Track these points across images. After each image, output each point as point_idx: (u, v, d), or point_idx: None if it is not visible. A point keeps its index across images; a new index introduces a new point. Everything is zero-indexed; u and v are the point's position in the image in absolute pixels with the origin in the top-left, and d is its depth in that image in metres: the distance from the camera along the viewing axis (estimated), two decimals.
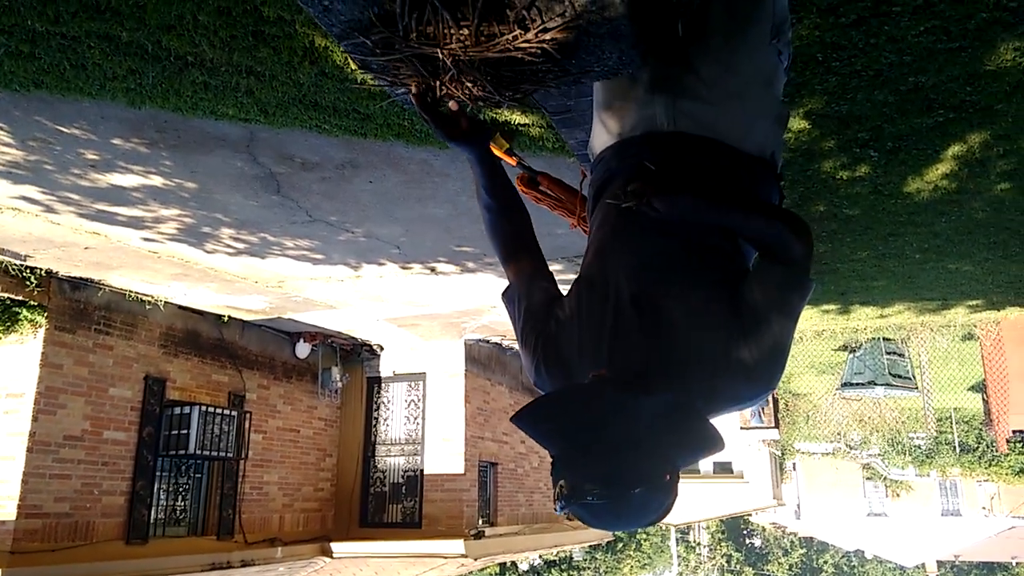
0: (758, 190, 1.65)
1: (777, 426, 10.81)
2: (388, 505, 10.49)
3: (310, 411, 10.41)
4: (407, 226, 5.80)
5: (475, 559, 9.67)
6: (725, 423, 14.80)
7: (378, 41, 1.48)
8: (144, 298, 7.98)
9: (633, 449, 1.21)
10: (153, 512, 8.09)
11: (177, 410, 8.27)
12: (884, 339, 10.79)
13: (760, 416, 10.42)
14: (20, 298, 6.89)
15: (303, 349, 9.96)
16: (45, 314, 7.11)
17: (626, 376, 1.33)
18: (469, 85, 1.51)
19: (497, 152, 3.84)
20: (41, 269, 6.96)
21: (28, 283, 6.89)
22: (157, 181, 4.97)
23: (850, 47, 3.23)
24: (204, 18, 2.93)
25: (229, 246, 6.32)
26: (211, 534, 8.78)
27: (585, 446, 1.22)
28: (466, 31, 1.42)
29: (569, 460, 1.24)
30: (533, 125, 3.87)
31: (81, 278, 7.36)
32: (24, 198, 5.24)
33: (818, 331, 10.20)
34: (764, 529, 33.08)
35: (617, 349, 1.41)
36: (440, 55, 1.44)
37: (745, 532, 34.80)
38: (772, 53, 1.70)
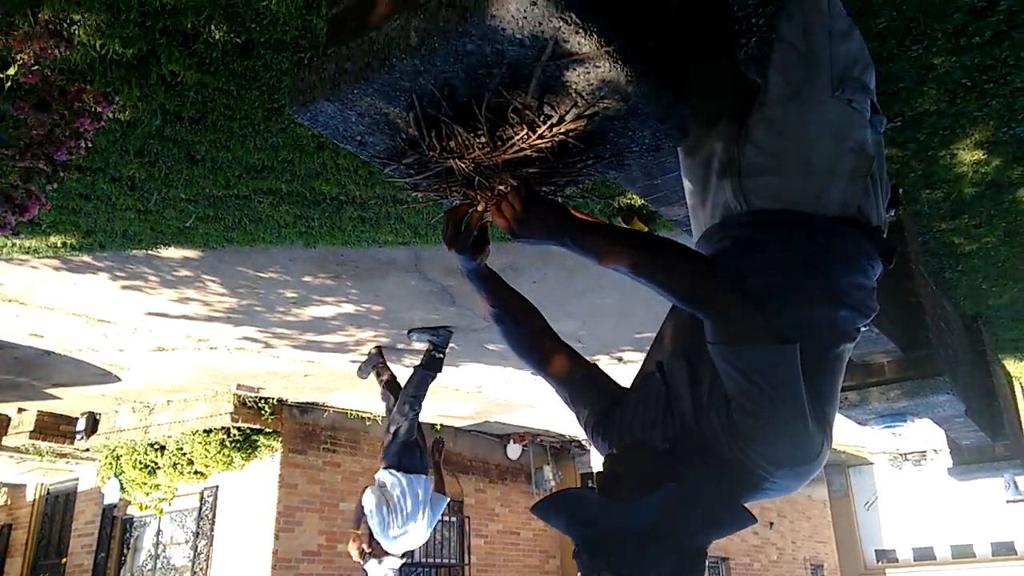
0: (837, 252, 1.55)
1: None
2: None
3: (527, 512, 10.44)
4: (582, 320, 5.85)
5: None
6: (986, 494, 12.85)
7: (412, 163, 1.59)
8: (363, 415, 8.63)
9: (640, 545, 1.26)
10: None
11: None
12: None
13: (1015, 487, 8.96)
14: (258, 427, 7.73)
15: (514, 450, 10.17)
16: (279, 439, 7.89)
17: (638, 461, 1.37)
18: (500, 188, 1.57)
19: None
20: (273, 398, 7.79)
21: (263, 412, 7.72)
22: (349, 308, 5.46)
23: (999, 65, 2.92)
24: (343, 161, 3.27)
25: None
26: None
27: (593, 542, 1.30)
28: (483, 138, 1.49)
29: (583, 552, 1.31)
30: None
31: (307, 402, 8.12)
32: (246, 338, 5.96)
33: None
34: None
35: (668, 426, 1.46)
36: (461, 165, 1.52)
37: None
38: (838, 105, 1.61)
